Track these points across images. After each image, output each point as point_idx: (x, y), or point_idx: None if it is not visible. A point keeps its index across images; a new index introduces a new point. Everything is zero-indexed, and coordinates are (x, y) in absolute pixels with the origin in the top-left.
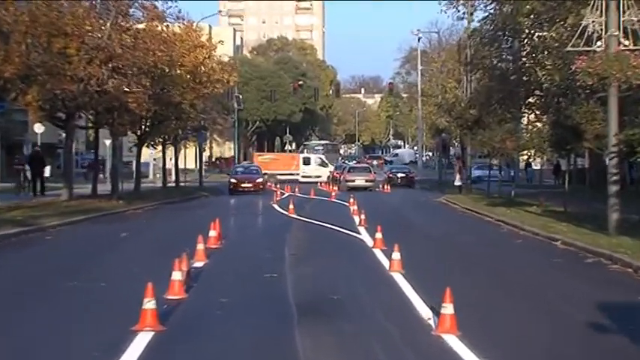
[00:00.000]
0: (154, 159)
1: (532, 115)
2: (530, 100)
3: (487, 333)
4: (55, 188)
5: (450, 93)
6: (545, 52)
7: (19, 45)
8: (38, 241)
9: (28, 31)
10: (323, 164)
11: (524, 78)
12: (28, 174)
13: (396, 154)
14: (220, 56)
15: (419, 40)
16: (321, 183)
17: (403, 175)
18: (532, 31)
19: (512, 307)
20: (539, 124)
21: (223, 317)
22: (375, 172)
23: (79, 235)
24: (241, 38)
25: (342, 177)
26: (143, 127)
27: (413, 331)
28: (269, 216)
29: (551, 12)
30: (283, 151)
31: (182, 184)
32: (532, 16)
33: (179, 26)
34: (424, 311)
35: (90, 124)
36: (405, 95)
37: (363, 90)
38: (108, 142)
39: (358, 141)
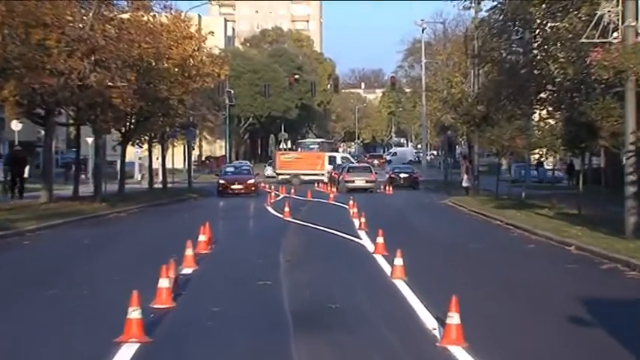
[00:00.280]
0: (140, 158)
1: (544, 112)
2: (542, 95)
3: (495, 345)
4: (33, 190)
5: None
6: (558, 44)
7: None
8: (15, 246)
9: (5, 22)
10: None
11: (536, 72)
12: (9, 175)
13: (395, 153)
14: (210, 48)
15: (423, 32)
16: (318, 183)
17: (406, 175)
18: (544, 22)
19: (523, 317)
20: (551, 121)
21: (214, 328)
22: (376, 173)
23: (59, 240)
24: (233, 29)
25: (340, 177)
26: (128, 124)
27: (417, 343)
28: (263, 219)
29: (564, 1)
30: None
31: (170, 185)
32: (544, 6)
33: (166, 16)
34: (429, 321)
35: (71, 121)
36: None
37: (363, 84)
38: (90, 140)
39: (358, 139)
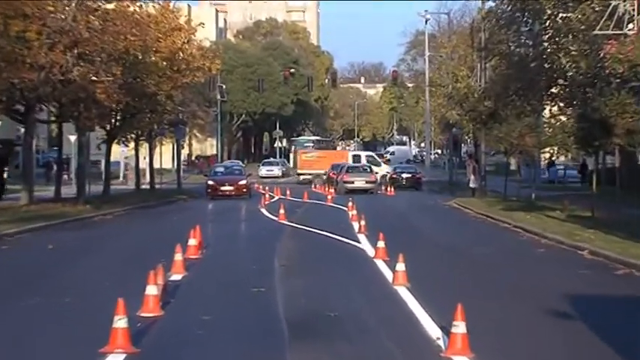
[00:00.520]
0: (126, 157)
1: (555, 108)
2: (553, 90)
3: (503, 355)
4: (13, 191)
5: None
6: (570, 36)
7: None
8: None
9: None
10: (374, 163)
11: (546, 65)
12: None
13: (393, 152)
14: (201, 41)
15: (426, 23)
16: (315, 186)
17: (409, 175)
18: (555, 12)
19: (532, 326)
20: (562, 118)
21: (205, 337)
22: (376, 173)
23: (40, 245)
24: (225, 20)
25: (339, 178)
26: (113, 121)
27: (420, 353)
28: (256, 222)
29: None
30: (272, 147)
31: (157, 186)
32: None
33: (154, 6)
34: (432, 330)
35: (52, 118)
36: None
37: (363, 79)
38: (73, 138)
39: (358, 137)
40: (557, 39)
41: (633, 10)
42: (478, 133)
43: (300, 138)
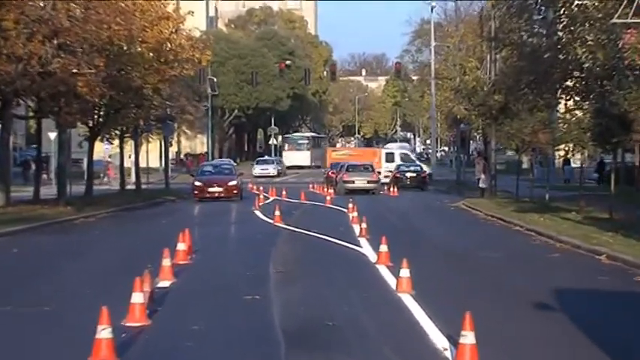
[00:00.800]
0: (110, 156)
1: (570, 102)
2: (568, 83)
3: None
4: None
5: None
6: (586, 25)
7: None
8: None
9: None
10: (410, 161)
11: (561, 56)
12: None
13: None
14: (190, 30)
15: (432, 11)
16: (313, 184)
17: (413, 174)
18: None
19: (544, 337)
20: (578, 113)
21: (194, 349)
22: (378, 172)
23: (18, 249)
24: (216, 8)
25: (338, 177)
26: (96, 116)
27: None
28: (250, 225)
29: None
30: (267, 145)
31: (144, 186)
32: None
33: None
34: (439, 340)
35: (31, 114)
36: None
37: (364, 71)
38: (53, 135)
39: (358, 133)
40: (572, 28)
41: None
42: (488, 129)
43: (294, 135)
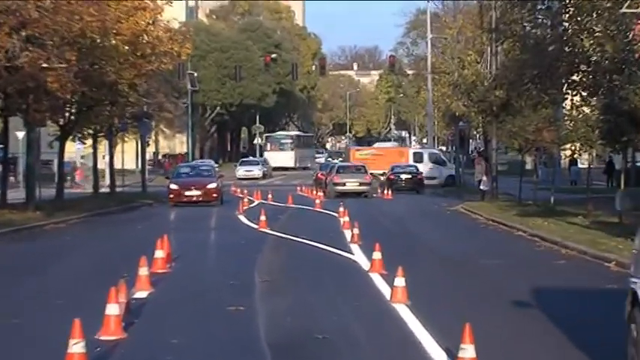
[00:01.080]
0: (82, 157)
1: (577, 98)
2: (575, 77)
3: None
4: None
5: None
6: (594, 15)
7: None
8: None
9: None
10: (439, 162)
11: (567, 49)
12: None
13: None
14: (168, 22)
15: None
16: (301, 187)
17: (408, 176)
18: None
19: (549, 352)
20: (586, 109)
21: None
22: (371, 173)
23: None
24: None
25: (328, 179)
26: (67, 114)
27: None
28: (233, 231)
29: None
30: (251, 144)
31: (119, 189)
32: None
33: None
34: (437, 354)
35: None
36: (410, 72)
37: (355, 66)
38: (21, 134)
39: (350, 132)
40: (579, 18)
41: None
42: (488, 127)
43: (276, 134)
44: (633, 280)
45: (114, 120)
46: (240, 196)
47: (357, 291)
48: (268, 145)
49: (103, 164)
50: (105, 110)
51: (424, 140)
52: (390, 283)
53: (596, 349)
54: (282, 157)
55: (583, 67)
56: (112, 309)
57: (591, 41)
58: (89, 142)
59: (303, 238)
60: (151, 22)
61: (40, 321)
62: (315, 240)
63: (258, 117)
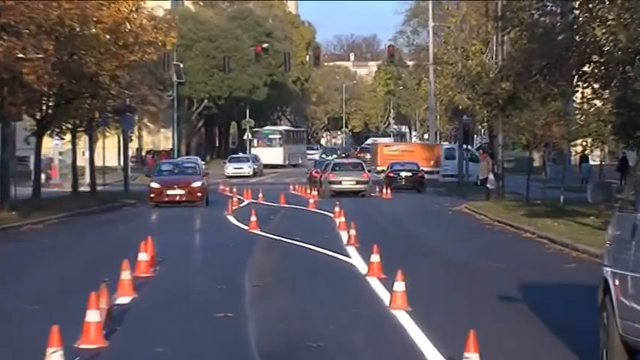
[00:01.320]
0: (61, 153)
1: (588, 90)
2: (586, 68)
3: None
4: None
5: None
6: (607, 2)
7: None
8: None
9: None
10: (472, 159)
11: (577, 38)
12: None
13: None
14: (152, 9)
15: None
16: (294, 185)
17: (409, 174)
18: None
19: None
20: (597, 103)
21: None
22: (369, 171)
23: None
24: None
25: (323, 177)
26: (45, 108)
27: None
28: (222, 232)
29: None
30: (241, 140)
31: (100, 187)
32: None
33: None
34: None
35: None
36: (411, 63)
37: (352, 56)
38: None
39: (346, 127)
40: (590, 5)
41: None
42: (494, 121)
43: (264, 129)
44: (605, 269)
45: (94, 114)
46: (229, 195)
47: (354, 296)
48: (255, 140)
49: (82, 161)
50: (85, 103)
51: (425, 136)
52: (389, 288)
53: None
54: (269, 154)
55: (595, 58)
56: (93, 315)
57: (603, 30)
58: (68, 137)
59: (296, 240)
60: (133, 9)
61: (16, 327)
62: (309, 242)
63: (248, 111)
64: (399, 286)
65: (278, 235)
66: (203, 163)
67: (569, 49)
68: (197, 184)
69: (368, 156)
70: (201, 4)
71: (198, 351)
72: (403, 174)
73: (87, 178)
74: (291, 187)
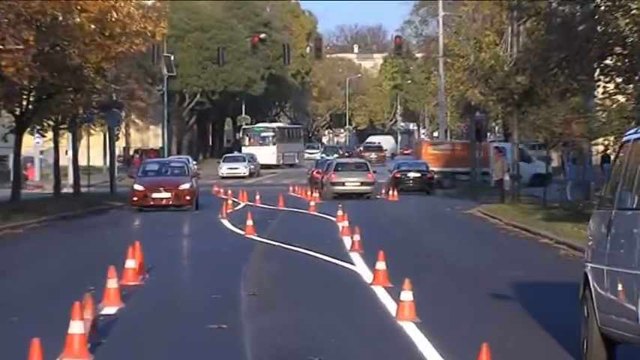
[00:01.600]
0: (42, 152)
1: (610, 85)
2: (608, 61)
3: None
4: None
5: (486, 51)
6: None
7: None
8: None
9: None
10: (524, 158)
11: (599, 29)
12: None
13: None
14: None
15: None
16: (294, 187)
17: (417, 174)
18: None
19: None
20: (620, 98)
21: None
22: (374, 171)
23: None
24: None
25: (325, 178)
26: (25, 103)
27: None
28: (216, 237)
29: None
30: (236, 138)
31: (84, 189)
32: None
33: None
34: None
35: None
36: (419, 56)
37: (356, 48)
38: None
39: (350, 124)
40: None
41: None
42: (509, 118)
43: (256, 126)
44: (586, 264)
45: (78, 110)
46: (224, 197)
47: (358, 306)
48: (247, 139)
49: (65, 161)
50: (68, 98)
51: (435, 134)
52: (396, 298)
53: None
54: (262, 153)
55: (618, 50)
56: (76, 327)
57: (627, 20)
58: (50, 135)
59: (295, 246)
60: None
61: None
62: (309, 248)
63: (244, 106)
64: (407, 295)
65: (276, 241)
66: (195, 162)
67: (590, 41)
68: (185, 185)
69: (373, 155)
70: None
71: None
72: (411, 175)
73: (70, 179)
74: (291, 188)
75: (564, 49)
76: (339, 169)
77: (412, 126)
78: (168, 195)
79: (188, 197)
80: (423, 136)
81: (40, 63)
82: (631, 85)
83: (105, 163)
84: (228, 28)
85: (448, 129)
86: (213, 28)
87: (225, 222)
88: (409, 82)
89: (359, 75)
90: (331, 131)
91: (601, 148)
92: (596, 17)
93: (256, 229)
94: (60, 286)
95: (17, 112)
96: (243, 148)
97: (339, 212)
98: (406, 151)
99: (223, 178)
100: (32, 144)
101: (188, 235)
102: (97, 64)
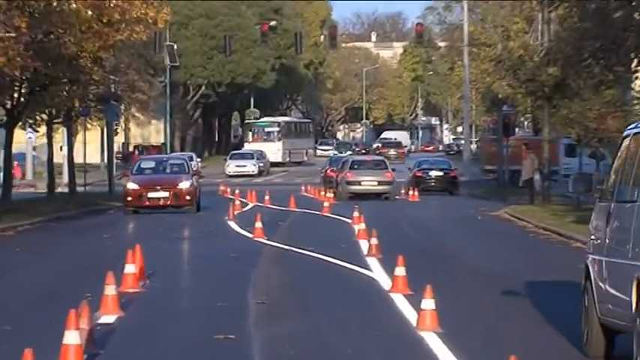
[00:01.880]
0: (35, 148)
1: None
2: None
3: None
4: None
5: (515, 40)
6: None
7: None
8: None
9: None
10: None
11: (636, 16)
12: None
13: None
14: None
15: None
16: (307, 186)
17: (439, 173)
18: None
19: None
20: None
21: None
22: (393, 170)
23: None
24: None
25: (340, 177)
26: (16, 95)
27: None
28: (222, 240)
29: None
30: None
31: (80, 188)
32: None
33: None
34: None
35: None
36: (442, 45)
37: (374, 36)
38: None
39: (367, 118)
40: None
41: None
42: (539, 112)
43: (259, 120)
44: (588, 256)
45: (74, 103)
46: (231, 197)
47: (376, 315)
48: (250, 134)
49: (60, 157)
50: (63, 90)
51: (459, 129)
52: (417, 306)
53: None
54: (266, 150)
55: None
56: (72, 337)
57: None
58: (43, 130)
59: (308, 250)
60: None
61: None
62: (323, 252)
63: (252, 99)
64: (428, 304)
65: (287, 245)
66: (199, 160)
67: (627, 29)
68: (184, 184)
69: (392, 152)
70: None
71: None
72: (433, 173)
73: (65, 178)
74: (303, 188)
75: (599, 37)
76: (355, 167)
77: (434, 120)
78: (165, 194)
79: (188, 197)
80: (446, 132)
81: (32, 52)
82: None
83: (102, 160)
84: (236, 14)
85: (473, 124)
86: (219, 14)
87: (232, 224)
88: (431, 73)
89: (377, 65)
90: (347, 126)
91: None
92: (634, 4)
93: (265, 232)
94: (54, 293)
95: (8, 105)
96: (245, 144)
97: (355, 214)
98: (428, 148)
99: (230, 176)
100: (24, 139)
101: (191, 238)
102: (95, 53)
